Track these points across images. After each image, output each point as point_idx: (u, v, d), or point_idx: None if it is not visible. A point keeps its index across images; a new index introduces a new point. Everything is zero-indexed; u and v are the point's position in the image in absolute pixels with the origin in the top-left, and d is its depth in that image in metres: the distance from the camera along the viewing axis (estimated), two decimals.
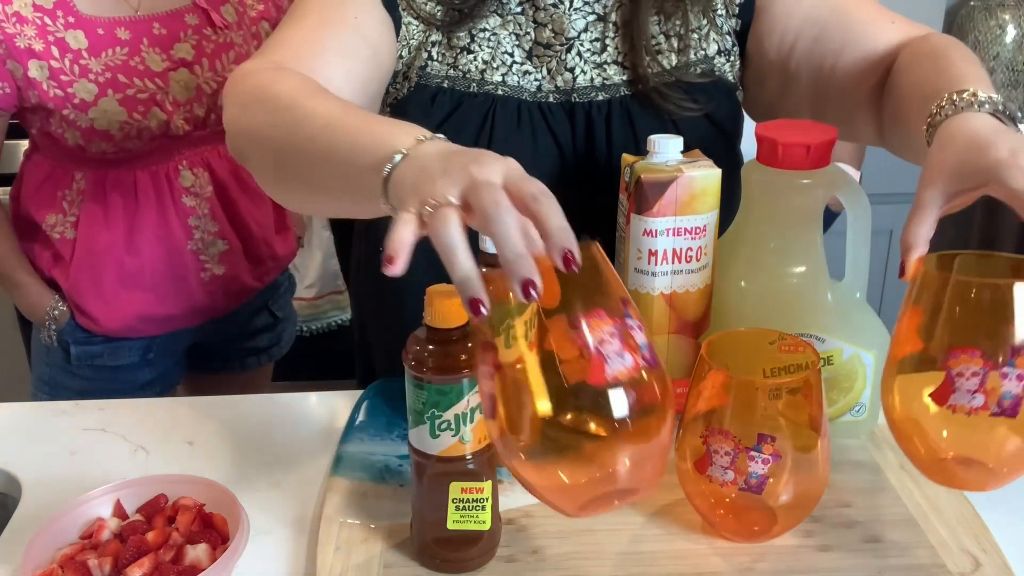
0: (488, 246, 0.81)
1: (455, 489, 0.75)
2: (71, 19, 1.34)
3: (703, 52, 1.01)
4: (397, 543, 0.80)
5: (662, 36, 1.00)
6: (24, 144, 1.52)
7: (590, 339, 0.61)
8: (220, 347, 1.67)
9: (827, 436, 0.77)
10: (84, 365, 1.53)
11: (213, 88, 1.44)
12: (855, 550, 0.79)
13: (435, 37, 0.99)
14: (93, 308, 1.47)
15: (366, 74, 0.93)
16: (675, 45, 1.00)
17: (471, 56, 0.98)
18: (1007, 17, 2.90)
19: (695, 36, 1.00)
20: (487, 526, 0.76)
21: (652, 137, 0.89)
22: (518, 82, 0.99)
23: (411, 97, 0.99)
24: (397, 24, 0.97)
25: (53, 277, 1.48)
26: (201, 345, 1.64)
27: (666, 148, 0.88)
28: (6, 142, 1.46)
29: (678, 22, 0.99)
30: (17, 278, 1.48)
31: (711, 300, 0.93)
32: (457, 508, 0.75)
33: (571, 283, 0.61)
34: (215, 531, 0.81)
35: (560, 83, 0.99)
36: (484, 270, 0.82)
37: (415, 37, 0.98)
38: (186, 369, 1.67)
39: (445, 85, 0.98)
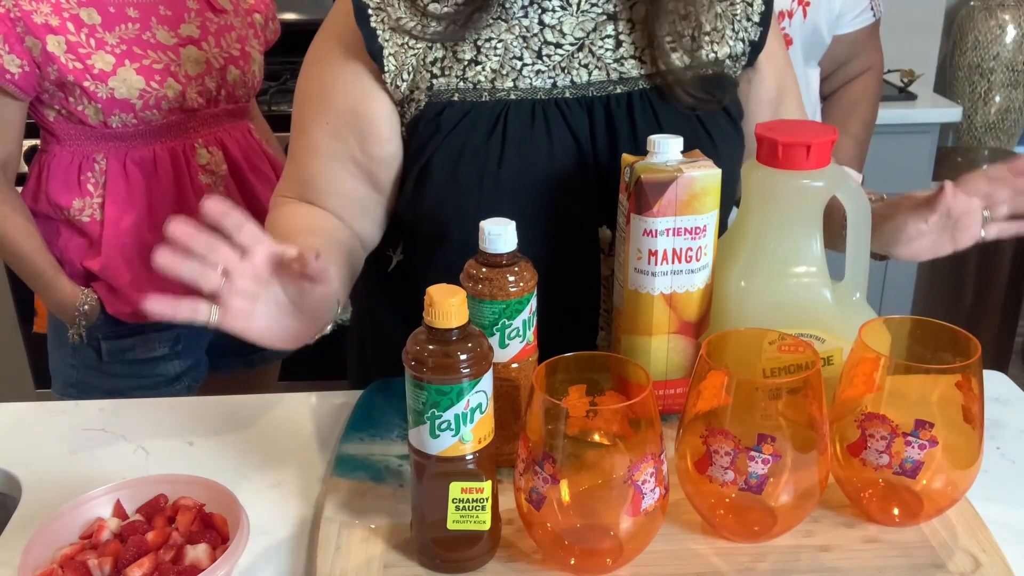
0: (488, 246, 0.82)
1: (455, 489, 0.75)
2: None
3: (714, 54, 1.01)
4: (397, 543, 0.80)
5: (676, 34, 0.99)
6: (27, 144, 1.52)
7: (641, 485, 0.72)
8: (240, 341, 1.69)
9: (827, 436, 0.77)
10: (116, 361, 1.54)
11: (221, 63, 1.50)
12: (855, 550, 0.79)
13: (437, 54, 0.97)
14: (125, 287, 1.48)
15: (365, 182, 1.02)
16: (688, 45, 1.00)
17: (479, 67, 0.97)
18: (1007, 17, 2.90)
19: (707, 37, 1.00)
20: (487, 526, 0.76)
21: (652, 137, 0.89)
22: (531, 84, 0.98)
23: (421, 115, 0.98)
24: (380, 62, 0.96)
25: (87, 267, 1.49)
26: (221, 340, 1.65)
27: (666, 148, 0.88)
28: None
29: (692, 22, 0.99)
30: (48, 274, 1.48)
31: (711, 300, 0.93)
32: (457, 508, 0.75)
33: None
34: (215, 531, 0.81)
35: (575, 78, 0.99)
36: (484, 270, 0.82)
37: (409, 61, 0.97)
38: (217, 361, 1.69)
39: (456, 98, 0.97)
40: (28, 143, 1.55)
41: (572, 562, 0.76)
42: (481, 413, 0.74)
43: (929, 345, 0.82)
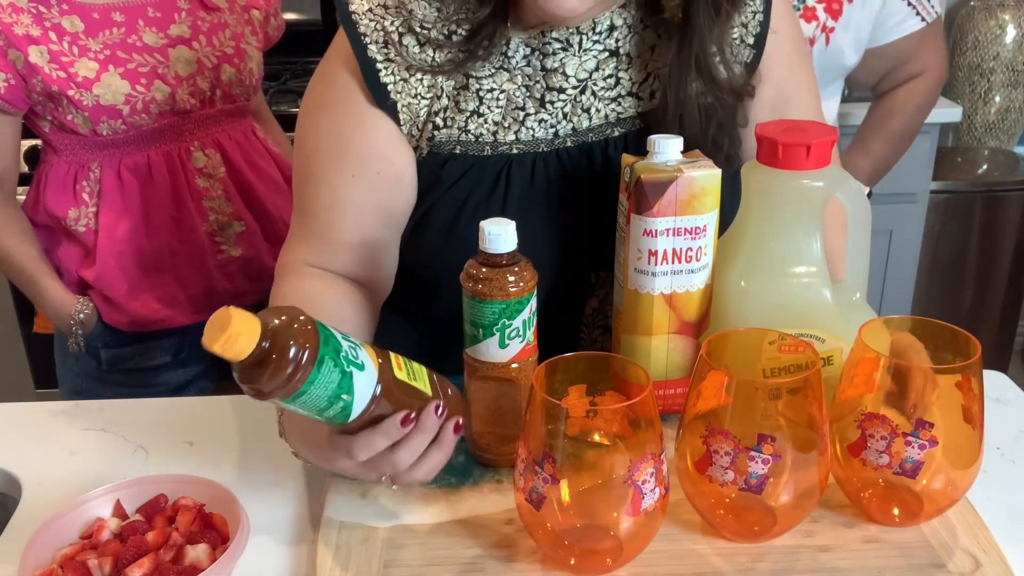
0: (488, 246, 0.82)
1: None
2: (65, 6, 1.36)
3: (712, 81, 0.99)
4: (397, 543, 0.80)
5: (676, 64, 0.96)
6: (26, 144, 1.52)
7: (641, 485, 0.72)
8: None
9: (827, 436, 0.77)
10: (116, 370, 1.52)
11: (214, 62, 1.47)
12: (855, 550, 0.79)
13: (442, 103, 0.96)
14: (122, 298, 1.46)
15: (391, 228, 1.00)
16: (687, 75, 0.96)
17: (481, 119, 0.96)
18: (1007, 17, 2.90)
19: (708, 64, 0.97)
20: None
21: (652, 137, 0.89)
22: (533, 135, 0.97)
23: (423, 164, 0.97)
24: (395, 116, 0.95)
25: (83, 276, 1.48)
26: None
27: (666, 148, 0.88)
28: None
29: (696, 50, 0.96)
30: (43, 283, 1.47)
31: (711, 300, 0.93)
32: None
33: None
34: (215, 531, 0.81)
35: (576, 124, 0.98)
36: (484, 270, 0.82)
37: (421, 111, 0.96)
38: (217, 377, 1.65)
39: (457, 151, 0.96)
40: (29, 143, 1.54)
41: (572, 562, 0.76)
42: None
43: (929, 345, 0.82)
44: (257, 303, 1.58)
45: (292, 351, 0.67)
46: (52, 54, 1.34)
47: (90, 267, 1.46)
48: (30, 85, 1.35)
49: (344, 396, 0.71)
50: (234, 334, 0.65)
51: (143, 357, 1.53)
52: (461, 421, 0.79)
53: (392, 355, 0.77)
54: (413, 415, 0.75)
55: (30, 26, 1.33)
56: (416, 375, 0.77)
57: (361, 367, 0.72)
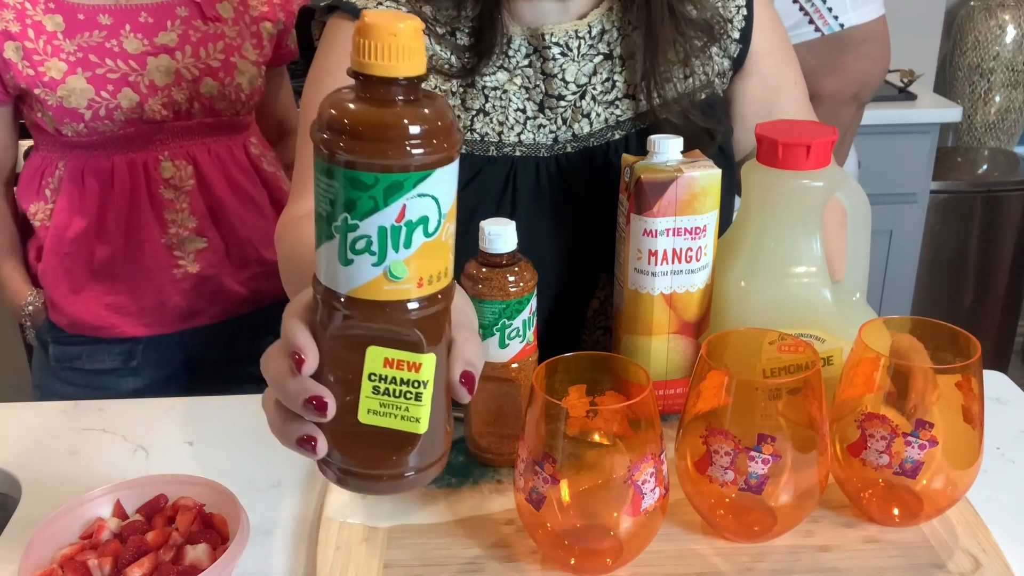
0: (488, 246, 0.82)
1: (375, 358, 0.53)
2: (51, 4, 1.35)
3: (705, 77, 1.00)
4: (397, 543, 0.80)
5: (668, 63, 0.97)
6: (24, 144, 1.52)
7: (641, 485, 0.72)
8: (221, 367, 1.59)
9: (827, 436, 0.77)
10: (65, 368, 1.50)
11: (194, 75, 1.41)
12: (855, 550, 0.79)
13: (452, 102, 0.96)
14: (63, 298, 1.44)
15: None
16: (680, 72, 0.98)
17: (487, 118, 0.96)
18: (1007, 17, 2.90)
19: (697, 61, 0.99)
20: (422, 427, 0.54)
21: (652, 137, 0.89)
22: (534, 139, 0.97)
23: None
24: None
25: (37, 272, 1.47)
26: (200, 363, 1.57)
27: (666, 148, 0.88)
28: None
29: (684, 47, 0.97)
30: (1, 270, 1.47)
31: (711, 300, 0.93)
32: (376, 391, 0.54)
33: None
34: (215, 531, 0.81)
35: (576, 130, 0.98)
36: (484, 270, 0.82)
37: None
38: (188, 389, 1.59)
39: (464, 150, 0.96)
40: (27, 143, 1.54)
41: (572, 562, 0.76)
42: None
43: (929, 345, 0.82)
44: (211, 324, 1.52)
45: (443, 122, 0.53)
46: (26, 51, 1.32)
47: (39, 263, 1.45)
48: (4, 80, 1.35)
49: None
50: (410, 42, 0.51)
51: (90, 359, 1.49)
52: None
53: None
54: None
55: (11, 22, 1.32)
56: None
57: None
